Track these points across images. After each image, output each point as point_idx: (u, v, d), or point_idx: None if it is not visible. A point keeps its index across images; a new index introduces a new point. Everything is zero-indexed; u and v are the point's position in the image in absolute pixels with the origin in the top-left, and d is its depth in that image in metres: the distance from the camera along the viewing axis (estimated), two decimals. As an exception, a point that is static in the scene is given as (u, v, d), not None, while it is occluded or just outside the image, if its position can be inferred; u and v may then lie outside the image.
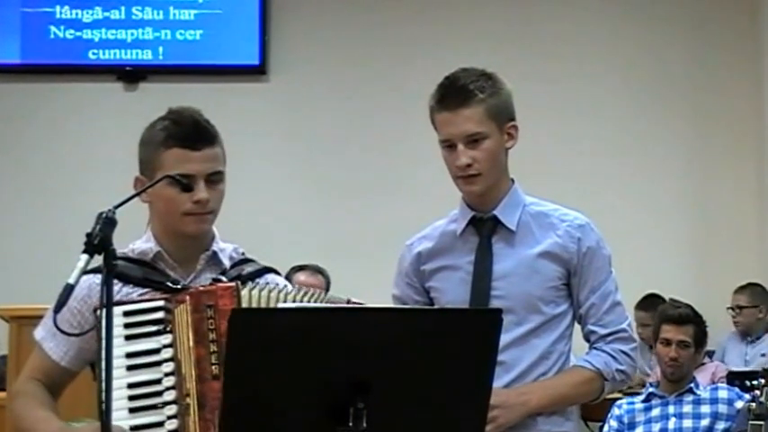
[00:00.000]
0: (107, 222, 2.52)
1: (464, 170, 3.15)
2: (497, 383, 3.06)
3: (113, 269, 2.52)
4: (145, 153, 2.97)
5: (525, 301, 3.15)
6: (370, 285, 4.04)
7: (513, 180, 3.26)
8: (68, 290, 2.46)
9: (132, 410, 2.75)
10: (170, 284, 2.90)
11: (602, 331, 3.20)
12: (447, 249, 3.25)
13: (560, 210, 3.25)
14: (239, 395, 2.34)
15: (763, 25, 8.07)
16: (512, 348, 3.12)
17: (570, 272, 3.18)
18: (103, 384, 2.48)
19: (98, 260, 2.53)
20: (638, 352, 4.66)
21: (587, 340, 3.25)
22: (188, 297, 2.79)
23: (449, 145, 3.17)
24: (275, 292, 2.79)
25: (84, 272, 2.53)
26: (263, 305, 2.77)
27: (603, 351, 3.19)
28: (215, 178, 2.92)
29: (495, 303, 3.12)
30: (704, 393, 5.42)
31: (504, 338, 3.02)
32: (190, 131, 2.91)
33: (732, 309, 7.42)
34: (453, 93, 3.15)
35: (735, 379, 6.02)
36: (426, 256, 3.28)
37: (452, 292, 3.21)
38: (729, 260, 7.93)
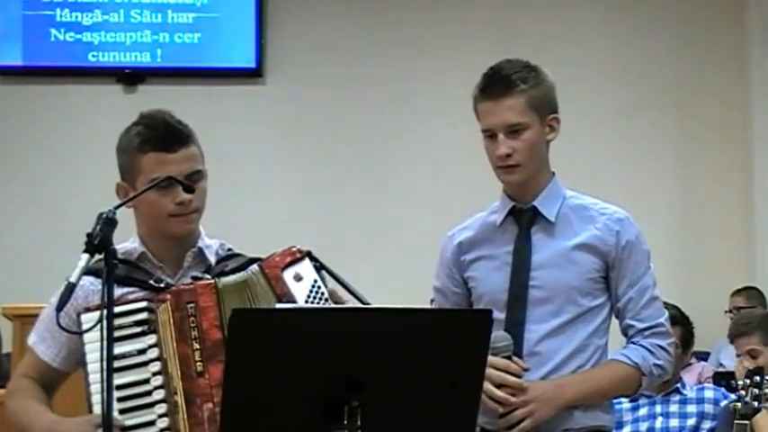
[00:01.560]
0: (107, 222, 2.56)
1: (503, 160, 3.14)
2: (534, 375, 3.11)
3: (114, 268, 2.56)
4: (123, 160, 2.99)
5: (562, 292, 3.14)
6: (366, 287, 4.07)
7: (553, 173, 3.27)
8: (70, 288, 2.51)
9: (123, 411, 2.77)
10: (153, 283, 2.92)
11: (640, 325, 3.18)
12: (486, 239, 3.24)
13: (600, 203, 3.26)
14: (239, 393, 2.37)
15: (749, 30, 8.10)
16: (547, 339, 3.13)
17: (608, 265, 3.17)
18: (104, 384, 2.52)
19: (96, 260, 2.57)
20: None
21: (625, 334, 3.23)
22: (169, 296, 2.83)
23: (490, 134, 3.16)
24: (221, 283, 2.83)
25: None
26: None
27: (641, 345, 3.17)
28: (195, 178, 2.94)
29: (532, 293, 3.14)
30: (690, 393, 5.40)
31: (541, 329, 3.13)
32: (162, 134, 2.92)
33: (731, 311, 7.51)
34: (496, 82, 3.16)
35: (721, 379, 6.05)
36: (467, 245, 3.27)
37: (489, 281, 3.21)
38: (716, 263, 7.96)
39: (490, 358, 3.05)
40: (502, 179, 3.22)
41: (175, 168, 2.90)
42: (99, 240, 2.54)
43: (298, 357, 2.36)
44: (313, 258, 2.90)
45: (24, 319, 4.43)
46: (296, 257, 2.87)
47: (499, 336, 3.10)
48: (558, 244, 3.18)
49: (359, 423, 2.37)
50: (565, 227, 3.19)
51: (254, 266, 2.90)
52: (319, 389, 2.37)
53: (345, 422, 2.37)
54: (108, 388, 2.51)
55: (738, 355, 5.18)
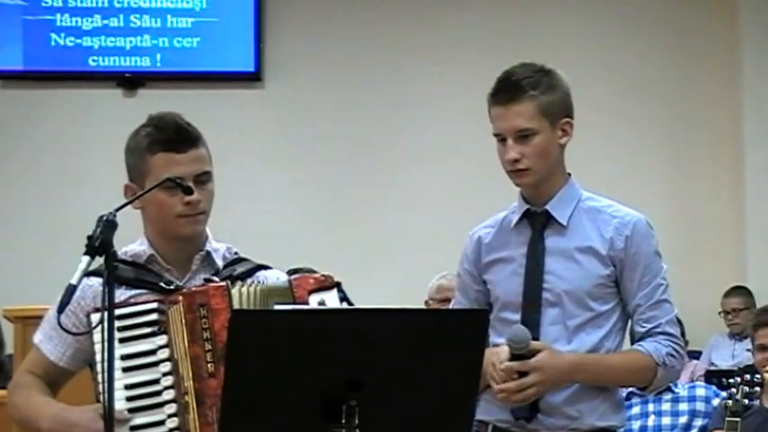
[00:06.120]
0: (108, 225, 2.58)
1: (513, 165, 3.15)
2: None
3: (114, 270, 2.57)
4: (132, 160, 2.99)
5: (573, 296, 3.14)
6: (365, 288, 4.09)
7: (569, 174, 3.28)
8: (71, 290, 2.53)
9: (132, 411, 2.80)
10: (163, 285, 2.93)
11: (648, 326, 3.17)
12: (503, 241, 3.26)
13: (614, 206, 3.26)
14: (238, 393, 2.38)
15: (739, 33, 8.13)
16: (559, 342, 3.13)
17: (617, 268, 3.17)
18: (105, 384, 2.54)
19: (98, 262, 2.60)
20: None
21: (633, 335, 3.25)
22: (181, 297, 2.83)
23: (500, 139, 3.18)
24: (261, 287, 2.86)
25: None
26: (252, 301, 2.82)
27: (652, 340, 3.17)
28: (203, 179, 2.95)
29: (545, 297, 3.15)
30: (682, 392, 5.45)
31: (553, 332, 3.14)
32: (172, 135, 2.93)
33: (728, 312, 7.57)
34: (506, 88, 3.17)
35: (712, 377, 6.10)
36: (486, 246, 3.28)
37: (504, 283, 3.22)
38: (707, 263, 7.98)
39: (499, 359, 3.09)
40: (514, 183, 3.23)
41: (184, 169, 2.92)
42: (99, 243, 2.56)
43: (296, 357, 2.37)
44: (341, 291, 2.91)
45: (26, 321, 4.43)
46: (325, 285, 2.89)
47: (519, 333, 3.09)
48: (569, 248, 3.18)
49: (357, 422, 2.39)
50: (577, 230, 3.20)
51: (284, 281, 2.94)
52: (318, 388, 2.39)
53: (343, 421, 2.38)
54: (110, 385, 2.53)
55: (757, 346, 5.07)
